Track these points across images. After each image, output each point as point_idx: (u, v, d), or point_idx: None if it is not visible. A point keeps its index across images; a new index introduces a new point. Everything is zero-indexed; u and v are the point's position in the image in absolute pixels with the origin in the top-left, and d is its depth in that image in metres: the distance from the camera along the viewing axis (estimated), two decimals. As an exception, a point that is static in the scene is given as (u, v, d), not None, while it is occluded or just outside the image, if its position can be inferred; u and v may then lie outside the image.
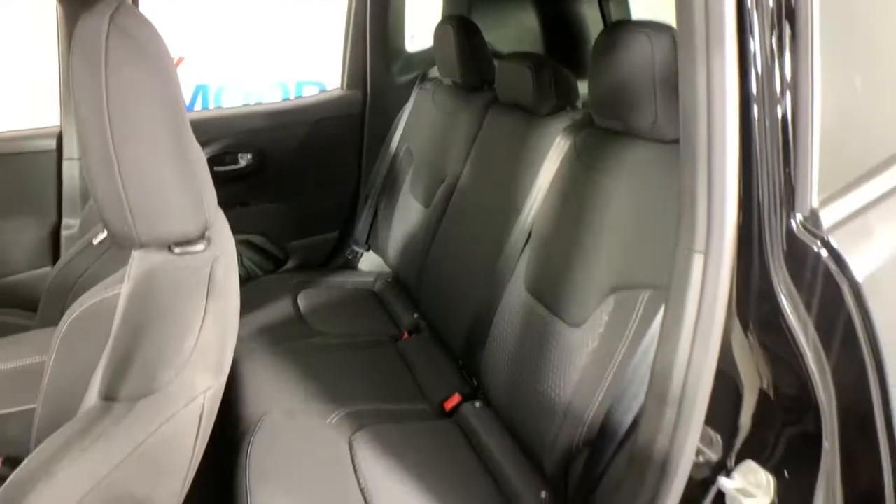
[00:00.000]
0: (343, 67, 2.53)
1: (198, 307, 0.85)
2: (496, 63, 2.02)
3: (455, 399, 1.72)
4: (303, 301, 2.22)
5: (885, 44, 0.87)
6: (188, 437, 0.85)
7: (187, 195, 0.85)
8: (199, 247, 0.90)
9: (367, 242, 2.62)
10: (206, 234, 0.92)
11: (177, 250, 0.89)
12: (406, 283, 2.27)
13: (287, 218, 2.56)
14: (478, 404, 1.67)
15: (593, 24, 2.37)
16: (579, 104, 1.78)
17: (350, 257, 2.64)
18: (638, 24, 1.28)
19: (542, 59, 1.82)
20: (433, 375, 1.84)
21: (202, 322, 0.84)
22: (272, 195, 2.51)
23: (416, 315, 2.14)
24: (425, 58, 2.54)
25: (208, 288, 0.86)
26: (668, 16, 0.97)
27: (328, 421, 1.60)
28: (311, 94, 3.21)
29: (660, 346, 0.94)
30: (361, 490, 1.38)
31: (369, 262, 2.62)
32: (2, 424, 1.42)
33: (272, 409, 1.60)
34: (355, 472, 1.43)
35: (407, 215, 2.32)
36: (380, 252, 2.52)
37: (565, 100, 1.75)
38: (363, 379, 1.82)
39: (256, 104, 2.57)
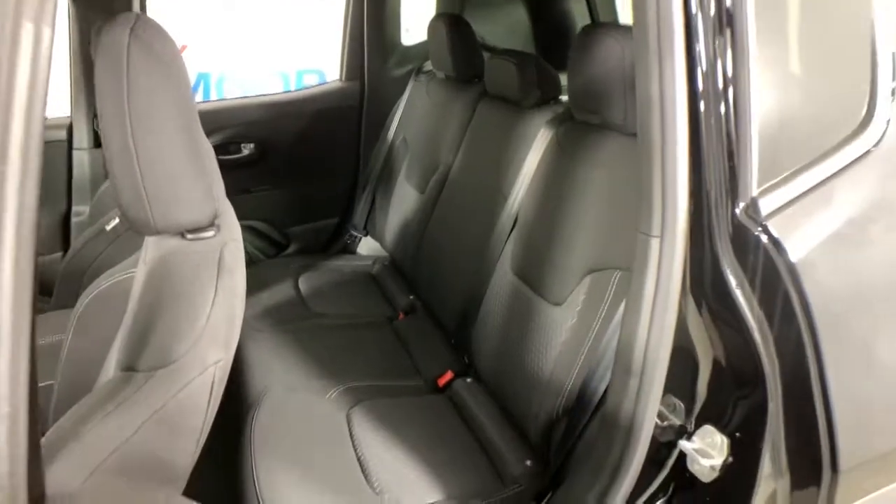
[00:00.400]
0: (341, 60, 2.61)
1: (209, 288, 0.93)
2: (486, 57, 2.10)
3: (448, 376, 1.80)
4: (303, 284, 2.30)
5: (815, 48, 0.96)
6: (201, 403, 0.95)
7: (198, 186, 0.94)
8: (210, 233, 0.98)
9: (365, 228, 2.70)
10: (216, 221, 1.00)
11: (189, 236, 0.97)
12: (402, 266, 2.36)
13: (288, 204, 2.64)
14: (469, 380, 1.76)
15: (581, 19, 2.44)
16: (563, 97, 1.86)
17: (349, 242, 2.72)
18: (610, 27, 1.37)
19: (526, 55, 1.90)
20: (427, 353, 1.93)
21: (213, 301, 0.93)
22: (274, 183, 2.59)
23: (411, 296, 2.22)
24: (420, 51, 2.61)
25: (218, 271, 0.95)
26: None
27: (327, 396, 1.68)
28: (311, 82, 3.28)
29: (624, 321, 1.04)
30: (358, 459, 1.46)
31: (367, 246, 2.69)
32: None
33: (275, 385, 1.68)
34: (353, 442, 1.51)
35: (403, 202, 2.40)
36: (377, 237, 2.61)
37: (548, 93, 1.84)
38: (361, 357, 1.90)
39: (259, 95, 2.65)
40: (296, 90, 2.83)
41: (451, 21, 2.19)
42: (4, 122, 0.43)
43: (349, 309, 2.18)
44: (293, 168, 2.60)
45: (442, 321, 2.04)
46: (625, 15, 2.48)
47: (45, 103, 0.45)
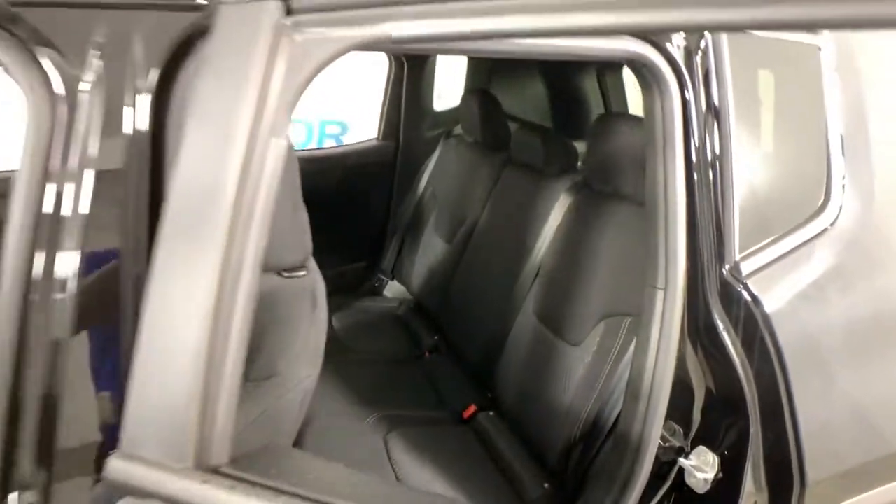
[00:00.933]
0: (380, 122, 2.89)
1: (304, 317, 1.17)
2: (511, 128, 2.37)
3: (471, 409, 2.00)
4: (336, 322, 2.51)
5: (783, 143, 1.22)
6: (294, 408, 1.17)
7: (299, 235, 1.18)
8: (302, 272, 1.22)
9: (392, 272, 2.92)
10: (306, 263, 1.24)
11: (285, 274, 1.20)
12: (427, 308, 2.58)
13: (322, 248, 2.83)
14: (491, 413, 1.95)
15: (593, 95, 2.74)
16: (579, 164, 2.13)
17: (376, 285, 2.94)
18: (623, 117, 1.64)
19: (548, 130, 2.18)
20: (453, 388, 2.13)
21: (308, 328, 1.16)
22: (311, 228, 2.82)
23: (435, 336, 2.43)
24: (450, 116, 2.90)
25: (311, 305, 1.19)
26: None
27: (365, 421, 1.89)
28: (333, 132, 3.58)
29: (634, 357, 1.27)
30: (397, 477, 1.66)
31: (392, 289, 2.92)
32: None
33: (319, 412, 1.84)
34: (391, 463, 1.72)
35: (430, 250, 2.63)
36: (403, 281, 2.83)
37: (568, 163, 2.10)
38: (393, 390, 2.11)
39: (303, 150, 2.92)
40: (336, 146, 3.10)
41: (482, 96, 2.47)
42: (252, 201, 0.68)
43: (379, 346, 2.40)
44: (329, 215, 2.82)
45: (466, 359, 2.24)
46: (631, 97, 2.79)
47: (278, 186, 0.70)
